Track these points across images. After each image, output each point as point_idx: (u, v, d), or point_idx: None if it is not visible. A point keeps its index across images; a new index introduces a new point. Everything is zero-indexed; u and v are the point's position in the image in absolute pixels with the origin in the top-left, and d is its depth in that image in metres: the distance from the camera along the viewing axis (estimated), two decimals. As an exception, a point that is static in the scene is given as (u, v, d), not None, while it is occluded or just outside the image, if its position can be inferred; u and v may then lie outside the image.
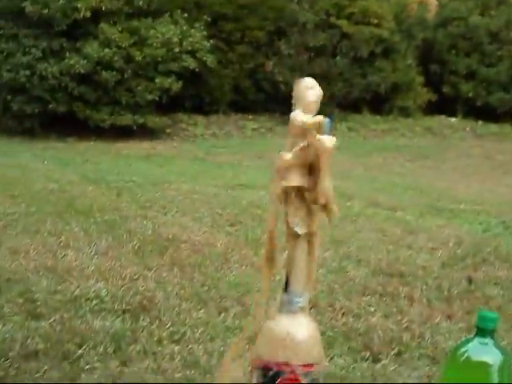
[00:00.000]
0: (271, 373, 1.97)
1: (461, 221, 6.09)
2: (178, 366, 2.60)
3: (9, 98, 12.99)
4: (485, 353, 1.89)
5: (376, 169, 10.64)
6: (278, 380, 1.97)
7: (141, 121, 13.22)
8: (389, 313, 3.42)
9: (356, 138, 14.06)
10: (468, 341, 1.93)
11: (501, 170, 10.92)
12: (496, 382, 1.88)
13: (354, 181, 8.75)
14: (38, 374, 2.42)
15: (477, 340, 1.90)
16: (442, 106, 15.40)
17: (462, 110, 15.32)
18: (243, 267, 4.04)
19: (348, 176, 9.32)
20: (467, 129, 14.69)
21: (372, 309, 3.46)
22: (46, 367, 2.47)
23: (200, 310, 3.25)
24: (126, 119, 13.14)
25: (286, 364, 1.96)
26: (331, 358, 2.77)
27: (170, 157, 11.23)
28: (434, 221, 5.96)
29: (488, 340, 1.89)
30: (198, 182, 7.73)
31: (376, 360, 2.83)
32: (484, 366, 1.88)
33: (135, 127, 13.23)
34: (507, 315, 3.49)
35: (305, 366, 1.98)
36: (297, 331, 1.99)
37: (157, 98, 13.25)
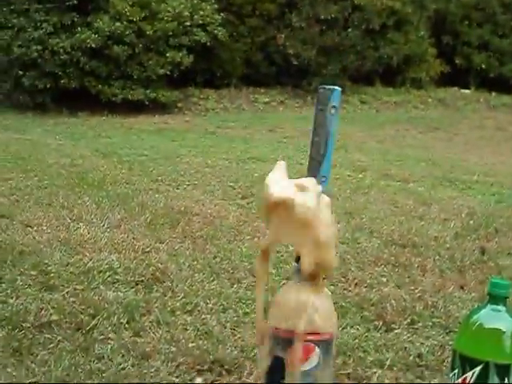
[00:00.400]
0: (284, 341, 1.97)
1: (473, 192, 6.08)
2: (191, 336, 2.60)
3: (20, 73, 13.00)
4: (497, 320, 1.89)
5: (388, 141, 10.60)
6: (290, 347, 1.97)
7: (152, 95, 13.21)
8: (401, 283, 3.41)
9: (368, 110, 14.00)
10: (480, 308, 1.94)
11: (514, 142, 10.88)
12: (509, 349, 1.88)
13: (366, 153, 8.72)
14: (52, 345, 2.43)
15: (489, 307, 1.91)
16: (455, 77, 15.30)
17: (474, 81, 15.23)
18: (255, 239, 4.04)
19: (360, 148, 9.30)
20: (480, 100, 14.60)
21: (384, 279, 3.46)
22: (59, 338, 2.48)
23: (212, 281, 3.26)
24: (138, 94, 13.13)
25: (298, 332, 1.96)
26: (344, 328, 2.77)
27: (181, 131, 11.23)
28: (447, 192, 5.95)
29: (500, 307, 1.89)
30: (210, 155, 7.73)
31: (389, 329, 2.83)
32: (497, 333, 1.88)
33: (147, 102, 13.22)
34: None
35: (317, 334, 1.99)
36: (308, 299, 1.99)
37: (168, 73, 13.22)
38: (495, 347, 1.88)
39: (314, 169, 2.01)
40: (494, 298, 1.90)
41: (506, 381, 1.85)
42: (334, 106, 2.00)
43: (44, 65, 12.82)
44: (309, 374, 1.97)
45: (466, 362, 1.88)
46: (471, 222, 4.74)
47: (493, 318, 1.89)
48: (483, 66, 15.19)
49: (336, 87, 2.02)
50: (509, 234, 4.48)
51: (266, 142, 10.04)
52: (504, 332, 1.88)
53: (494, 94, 14.78)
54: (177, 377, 2.29)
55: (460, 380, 1.88)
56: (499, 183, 6.51)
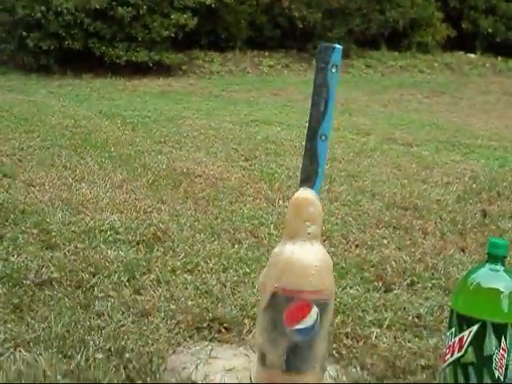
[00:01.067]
0: (281, 299, 1.98)
1: (477, 156, 6.06)
2: (190, 294, 2.61)
3: (24, 34, 12.93)
4: (495, 279, 1.89)
5: (393, 105, 10.56)
6: (288, 306, 1.98)
7: (157, 57, 13.14)
8: (402, 245, 3.42)
9: (373, 74, 13.93)
10: (478, 268, 1.94)
11: (519, 107, 10.83)
12: (506, 308, 1.89)
13: (370, 117, 8.70)
14: (52, 302, 2.44)
15: (487, 267, 1.91)
16: (461, 41, 15.19)
17: (481, 45, 15.12)
18: (257, 200, 4.04)
19: (365, 112, 9.27)
20: (486, 65, 14.51)
21: (385, 241, 3.46)
22: (59, 295, 2.50)
23: (213, 241, 3.26)
24: (142, 56, 13.07)
25: (296, 290, 1.97)
26: (343, 289, 2.78)
27: (185, 93, 11.19)
28: (450, 156, 5.94)
29: (499, 267, 1.89)
30: (213, 118, 7.71)
31: (388, 290, 2.84)
32: (494, 292, 1.88)
33: (151, 64, 13.16)
34: (521, 248, 3.48)
35: (314, 292, 1.99)
36: (306, 257, 1.99)
37: (173, 35, 13.15)
38: (492, 306, 1.88)
39: (314, 128, 2.00)
40: (493, 258, 1.90)
41: (503, 340, 1.86)
42: (335, 65, 1.99)
43: (48, 26, 12.74)
44: (305, 332, 1.98)
45: (463, 321, 1.88)
46: (474, 185, 4.73)
47: (491, 277, 1.89)
48: (490, 31, 15.08)
49: (337, 45, 2.00)
50: (511, 197, 4.47)
51: (270, 105, 10.01)
52: (502, 291, 1.88)
53: (500, 58, 14.68)
54: (176, 334, 2.30)
55: (457, 339, 1.89)
56: (503, 148, 6.49)
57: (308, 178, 2.06)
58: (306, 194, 2.01)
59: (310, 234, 1.98)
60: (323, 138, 2.01)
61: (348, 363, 2.22)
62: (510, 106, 11.00)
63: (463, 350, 1.88)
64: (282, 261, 2.01)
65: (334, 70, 2.00)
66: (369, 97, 11.24)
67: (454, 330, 1.90)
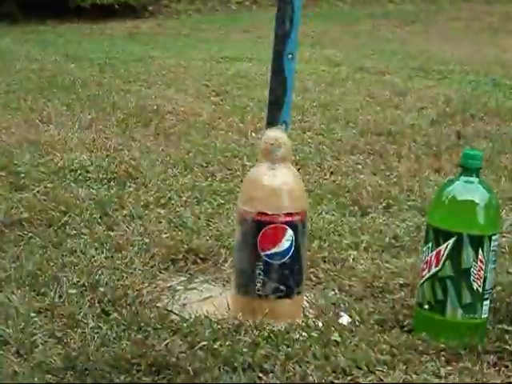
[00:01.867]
0: (255, 223, 1.95)
1: (450, 81, 6.01)
2: (164, 228, 2.58)
3: (-16, -19, 12.60)
4: (470, 191, 1.87)
5: (364, 36, 10.43)
6: (262, 230, 1.95)
7: (122, -1, 12.88)
8: (377, 170, 3.40)
9: (343, 6, 13.78)
10: (453, 181, 1.91)
11: (490, 31, 10.74)
12: (483, 220, 1.86)
13: (341, 48, 8.59)
14: (23, 242, 2.39)
15: (462, 179, 1.88)
16: (431, -31, 15.00)
17: (450, -28, 14.95)
18: (229, 134, 3.99)
19: (336, 44, 9.16)
20: (456, -8, 14.38)
21: (360, 167, 3.44)
22: (30, 234, 2.45)
23: (186, 175, 3.22)
24: (107, -2, 12.79)
25: (269, 214, 1.94)
26: (319, 214, 2.75)
27: (153, 34, 11.00)
28: (423, 82, 5.88)
29: (473, 178, 1.86)
30: (183, 56, 7.57)
31: (364, 214, 2.82)
32: (470, 205, 1.86)
33: (117, 6, 12.90)
34: (496, 166, 3.47)
35: (289, 215, 1.96)
36: (278, 180, 1.96)
37: (137, -25, 12.87)
38: (468, 219, 1.86)
39: (280, 46, 1.95)
40: (467, 170, 1.86)
41: (480, 252, 1.84)
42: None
43: (8, -28, 12.42)
44: (280, 256, 1.95)
45: (440, 235, 1.86)
46: (447, 109, 4.69)
47: (466, 189, 1.86)
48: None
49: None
50: (485, 118, 4.45)
51: (240, 42, 9.87)
52: (477, 203, 1.86)
53: (470, -16, 14.54)
54: (151, 267, 2.27)
55: (434, 253, 1.87)
56: (475, 72, 6.43)
57: (277, 100, 2.01)
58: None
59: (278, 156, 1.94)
60: (290, 56, 1.96)
61: (326, 286, 2.21)
62: (481, 31, 10.92)
63: (440, 264, 1.86)
64: (253, 184, 1.98)
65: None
66: (340, 29, 11.10)
67: (430, 244, 1.88)
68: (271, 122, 1.97)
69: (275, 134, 1.94)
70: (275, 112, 1.97)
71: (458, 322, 1.87)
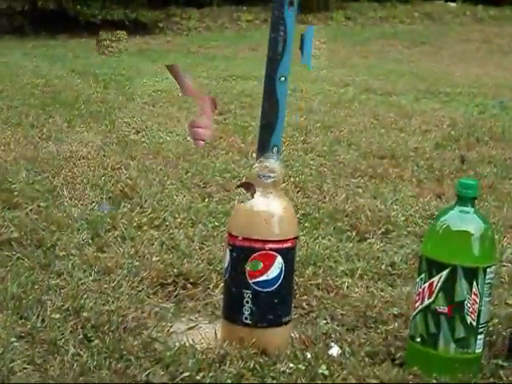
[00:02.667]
0: (244, 250, 1.89)
1: (457, 104, 5.96)
2: (156, 250, 2.52)
3: (-4, -5, 12.66)
4: (465, 222, 1.81)
5: (373, 56, 10.41)
6: (251, 256, 1.89)
7: (133, 15, 12.89)
8: (378, 194, 3.34)
9: (353, 26, 13.75)
10: (447, 210, 1.85)
11: (499, 54, 10.69)
12: (477, 251, 1.81)
13: (349, 68, 8.56)
14: (10, 263, 2.34)
15: (457, 209, 1.82)
16: (442, -10, 15.00)
17: (461, -6, 14.93)
18: (230, 154, 3.94)
19: (344, 64, 9.13)
20: (467, 13, 14.34)
21: (360, 190, 3.38)
22: (18, 255, 2.40)
23: (183, 196, 3.17)
24: (118, 14, 12.81)
25: (259, 240, 1.89)
26: (315, 239, 2.69)
27: (162, 51, 10.99)
28: (429, 104, 5.83)
29: (468, 208, 1.80)
30: (190, 74, 7.55)
31: (362, 239, 2.76)
32: (464, 235, 1.80)
33: (127, 22, 12.92)
34: (499, 193, 3.41)
35: (279, 242, 1.91)
36: (269, 207, 1.91)
37: (148, -9, 12.90)
38: (463, 250, 1.79)
39: (272, 69, 1.90)
40: (462, 200, 1.81)
41: (474, 284, 1.78)
42: (290, 2, 1.88)
43: (20, -14, 12.46)
44: (271, 283, 1.90)
45: (433, 266, 1.80)
46: (452, 132, 4.64)
47: (460, 219, 1.80)
48: (470, -21, 14.86)
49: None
50: (490, 143, 4.39)
51: (248, 60, 9.84)
52: (472, 234, 1.80)
53: (480, 6, 14.50)
54: (139, 291, 2.22)
55: (426, 285, 1.81)
56: (483, 94, 6.38)
57: (268, 124, 1.97)
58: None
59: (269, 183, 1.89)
60: (282, 79, 1.91)
61: (318, 315, 2.14)
62: (490, 53, 10.87)
63: (433, 296, 1.80)
64: (243, 210, 1.93)
65: (291, 8, 1.90)
66: (349, 49, 11.08)
67: (423, 275, 1.82)
68: (262, 146, 1.91)
69: (267, 161, 1.90)
70: (266, 135, 1.92)
71: (450, 356, 1.80)
